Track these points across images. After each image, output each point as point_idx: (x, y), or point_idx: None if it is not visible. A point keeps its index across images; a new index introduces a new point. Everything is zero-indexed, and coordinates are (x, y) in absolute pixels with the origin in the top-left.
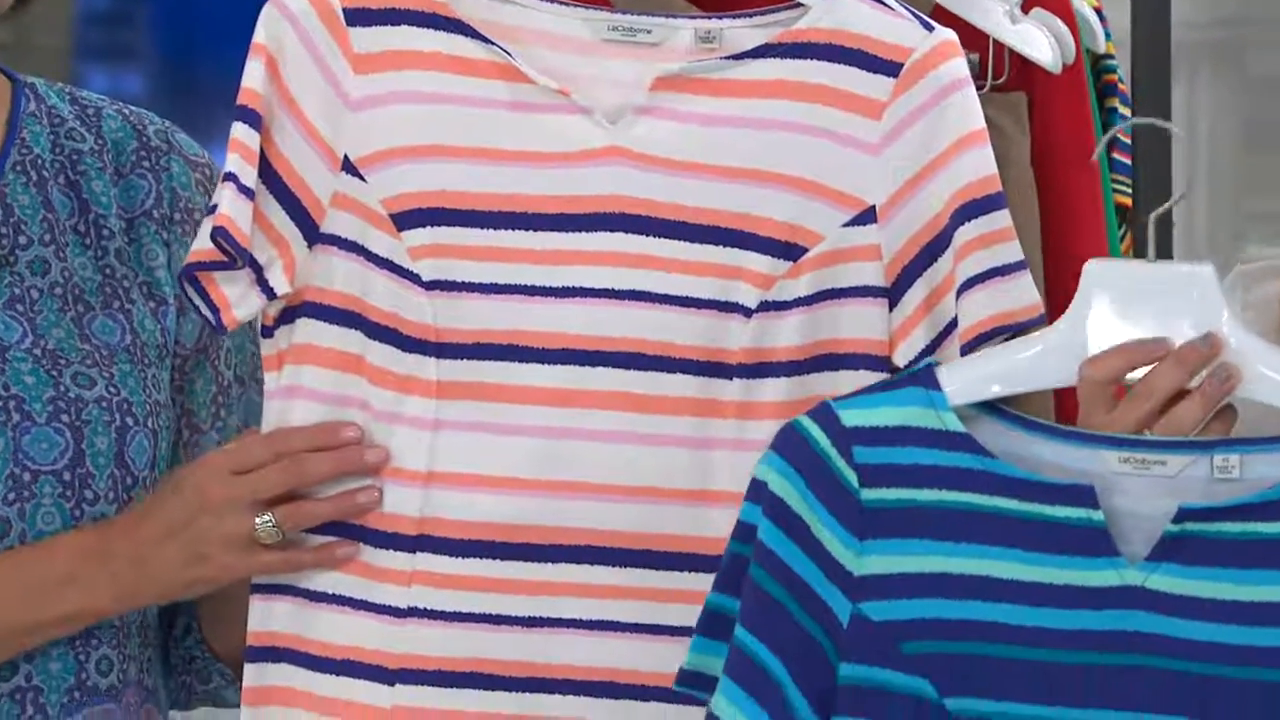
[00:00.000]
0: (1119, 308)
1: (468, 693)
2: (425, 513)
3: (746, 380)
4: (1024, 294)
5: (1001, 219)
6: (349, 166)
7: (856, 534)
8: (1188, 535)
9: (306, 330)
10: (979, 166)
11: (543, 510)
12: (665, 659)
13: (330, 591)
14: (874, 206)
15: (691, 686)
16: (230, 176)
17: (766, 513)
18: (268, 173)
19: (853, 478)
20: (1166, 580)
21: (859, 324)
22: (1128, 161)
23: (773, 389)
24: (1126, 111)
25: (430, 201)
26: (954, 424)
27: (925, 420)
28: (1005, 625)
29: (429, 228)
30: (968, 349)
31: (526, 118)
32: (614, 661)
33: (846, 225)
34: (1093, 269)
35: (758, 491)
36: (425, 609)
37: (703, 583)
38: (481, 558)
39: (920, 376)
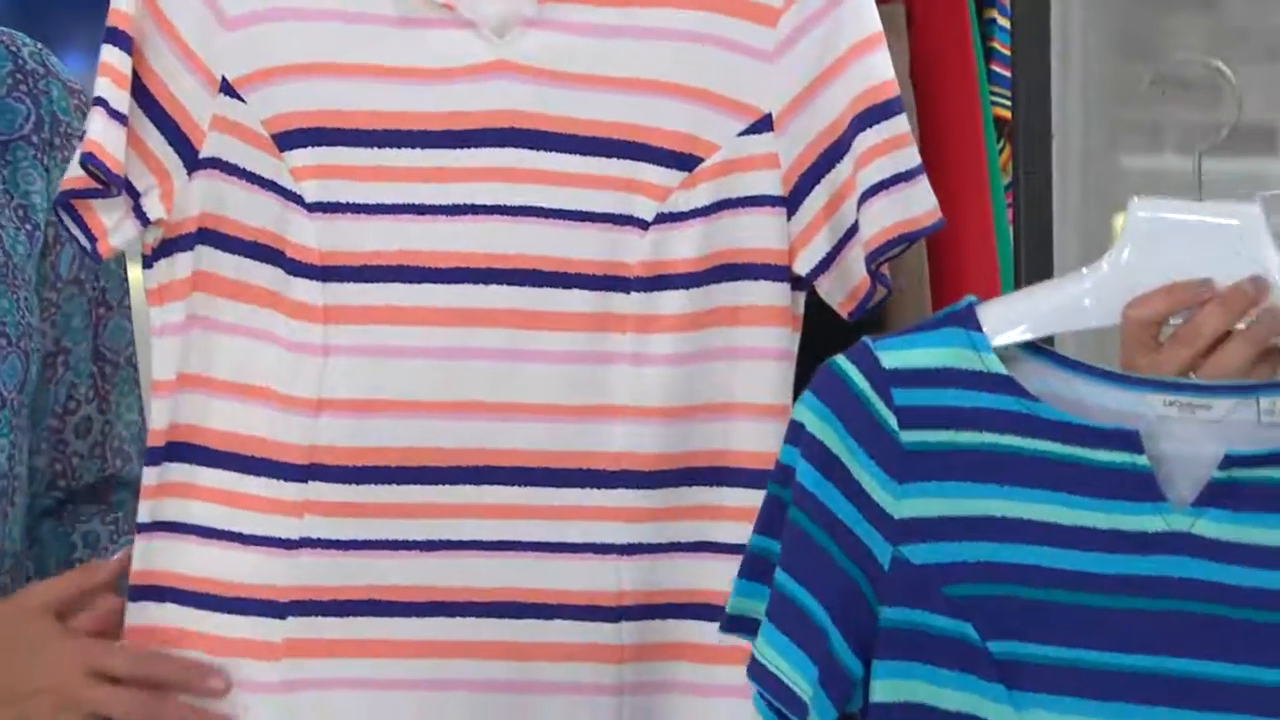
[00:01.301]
0: (1164, 249)
1: (364, 621)
2: (316, 441)
3: (645, 294)
4: (925, 200)
5: (901, 124)
6: (227, 88)
7: (896, 477)
8: (1234, 482)
9: (192, 259)
10: (877, 71)
11: (438, 432)
12: (568, 577)
13: (216, 527)
14: (770, 114)
15: (736, 630)
16: (100, 101)
17: (805, 455)
18: (143, 97)
19: (892, 420)
20: (1213, 526)
21: (758, 233)
22: (1006, 74)
23: (672, 301)
24: (1005, 22)
25: (312, 121)
26: (995, 365)
27: (966, 361)
28: (1048, 569)
29: (311, 148)
30: (872, 257)
31: (411, 33)
32: (516, 582)
33: (742, 134)
34: (1137, 207)
35: (795, 433)
36: (318, 539)
37: (603, 498)
38: (376, 484)
39: (960, 316)
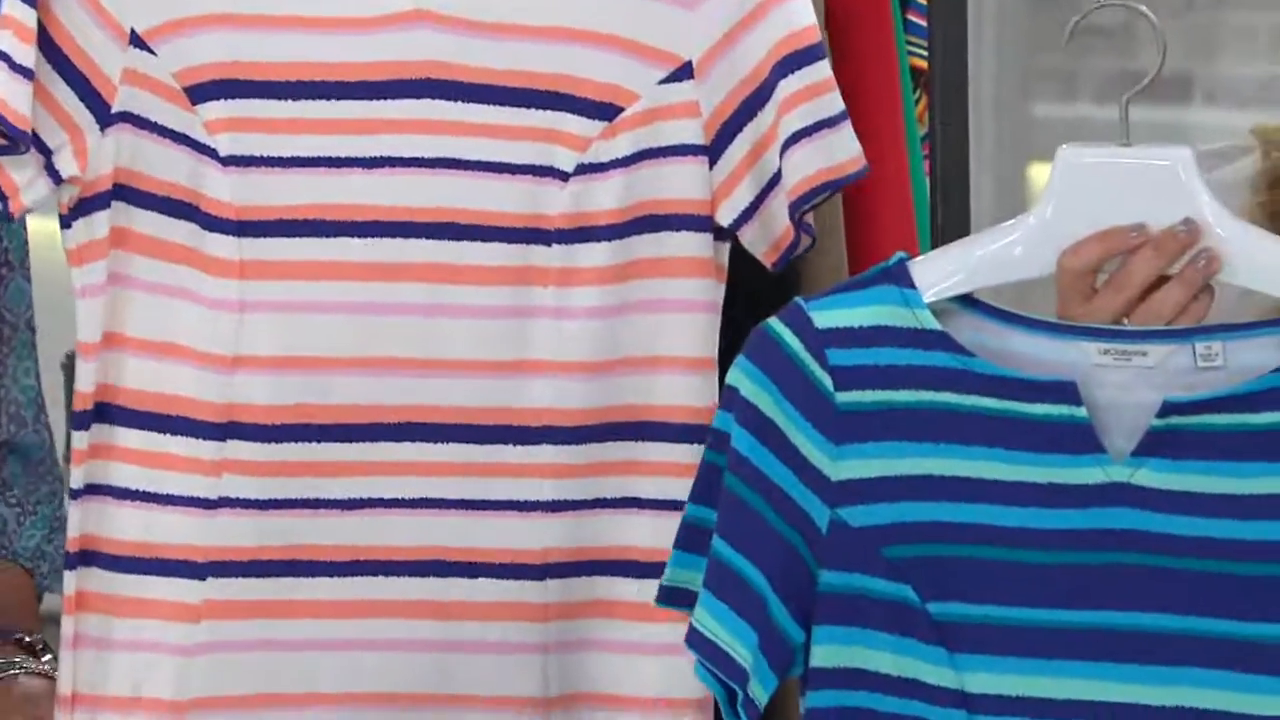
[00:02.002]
0: (1095, 195)
1: (285, 581)
2: (233, 399)
3: (566, 246)
4: (849, 146)
5: (823, 69)
6: (137, 40)
7: (833, 438)
8: (1173, 429)
9: (109, 217)
10: (797, 17)
11: (358, 389)
12: (492, 535)
13: (134, 488)
14: (690, 62)
15: (672, 602)
16: (2, 56)
17: (739, 420)
18: (51, 52)
19: (827, 381)
20: (1153, 476)
21: (680, 183)
22: (922, 24)
23: (594, 254)
24: None
25: (224, 73)
26: (929, 322)
27: (900, 319)
28: (988, 527)
29: (224, 100)
30: (796, 206)
31: None
32: (439, 540)
33: (663, 82)
34: (1066, 155)
35: (730, 398)
36: (237, 499)
37: (526, 455)
38: (295, 442)
39: (892, 272)
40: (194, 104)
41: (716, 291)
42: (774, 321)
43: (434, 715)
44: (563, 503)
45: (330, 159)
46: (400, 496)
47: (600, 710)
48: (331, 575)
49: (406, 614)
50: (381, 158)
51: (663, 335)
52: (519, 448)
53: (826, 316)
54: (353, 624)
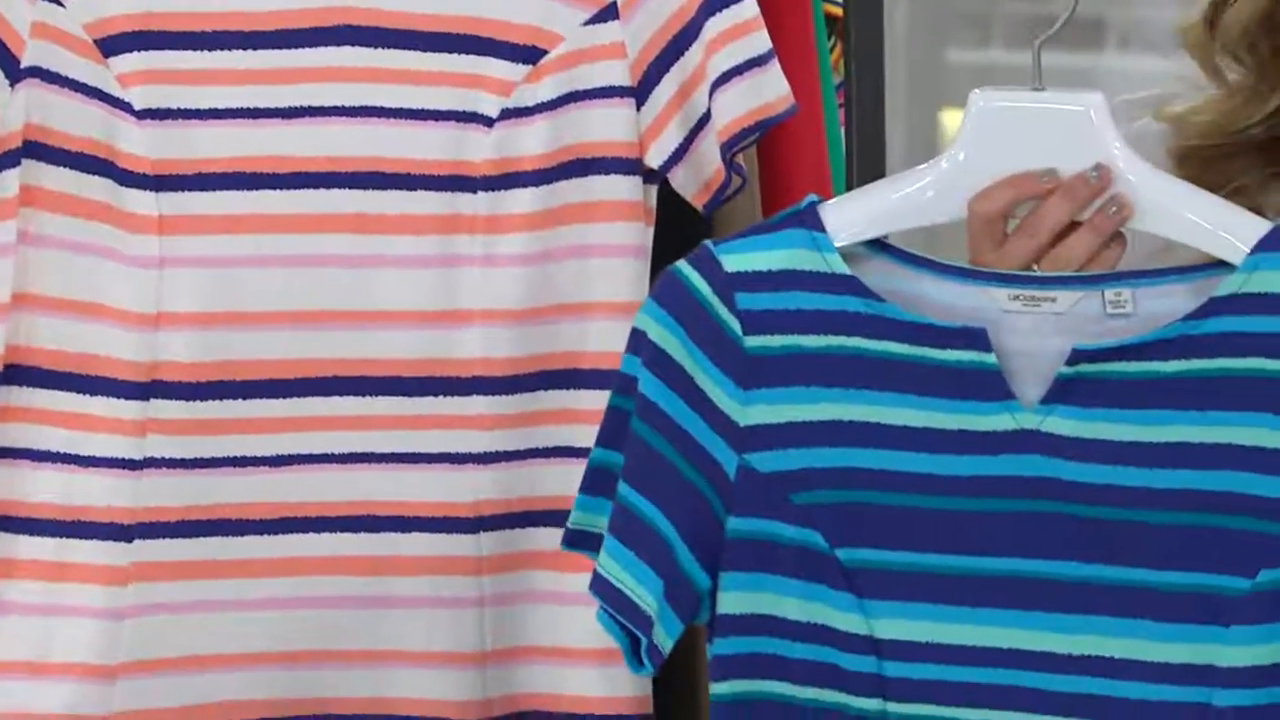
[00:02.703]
0: (1006, 140)
1: (214, 541)
2: (156, 357)
3: (492, 193)
4: (778, 85)
5: (750, 8)
6: None
7: (741, 383)
8: (1082, 376)
9: (19, 175)
10: None
11: (283, 344)
12: (424, 488)
13: (53, 450)
14: (614, 3)
15: (577, 545)
16: None
17: (647, 364)
18: None
19: (736, 325)
20: (1062, 423)
21: (607, 126)
22: None
23: (521, 200)
24: None
25: (136, 24)
26: (839, 266)
27: (809, 263)
28: (897, 473)
29: (138, 52)
30: (728, 146)
31: None
32: (370, 495)
33: (587, 23)
34: (978, 100)
35: (637, 342)
36: (163, 458)
37: (457, 406)
38: (220, 399)
39: (802, 216)
40: (106, 57)
41: (645, 235)
42: (682, 265)
43: (368, 672)
44: (495, 454)
45: (248, 110)
46: (329, 452)
47: (538, 663)
48: (261, 533)
49: (338, 570)
50: (301, 107)
51: (592, 280)
52: (449, 399)
53: (735, 260)
54: (284, 582)
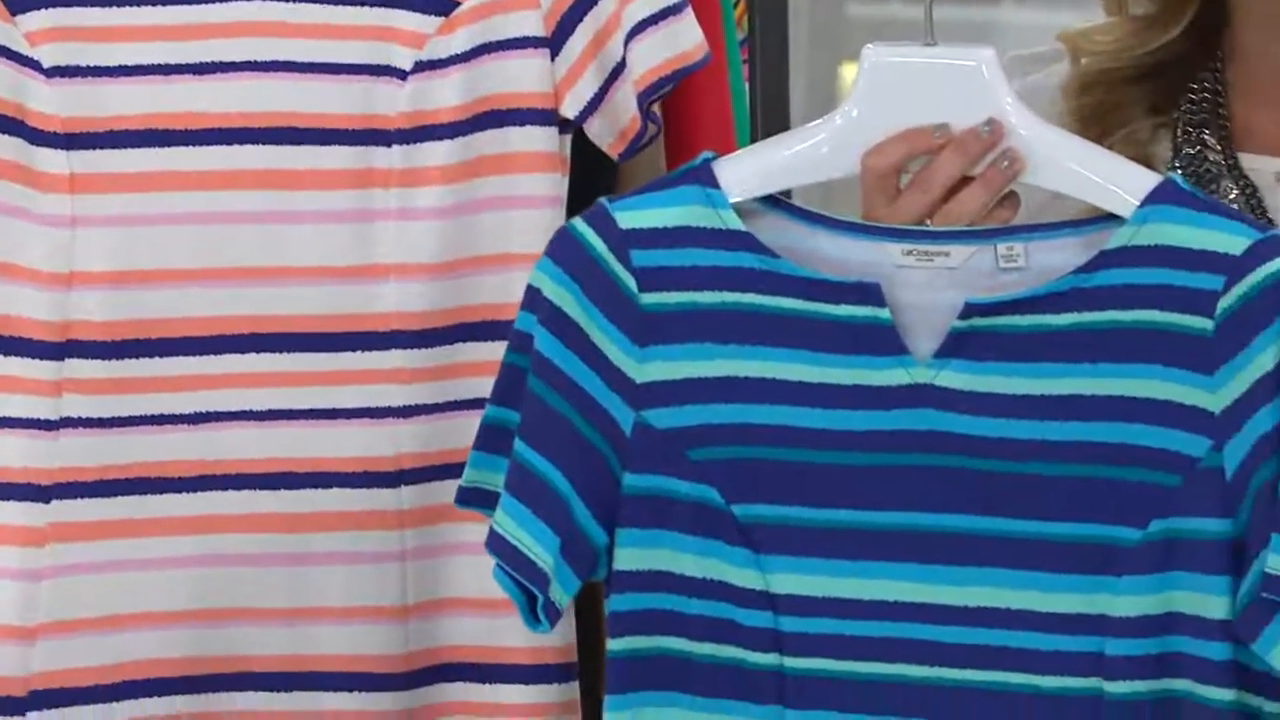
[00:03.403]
0: (899, 95)
1: (132, 500)
2: (69, 316)
3: (407, 146)
4: (693, 33)
5: None
6: None
7: (637, 340)
8: (975, 330)
9: None
10: None
11: (199, 301)
12: (344, 443)
13: None
14: None
15: (472, 503)
16: None
17: (542, 321)
18: None
19: (631, 282)
20: (955, 377)
21: (521, 77)
22: None
23: (436, 153)
24: None
25: None
26: (734, 222)
27: (704, 219)
28: (792, 428)
29: (45, 10)
30: (644, 96)
31: None
32: (289, 451)
33: None
34: (871, 55)
35: (532, 299)
36: (79, 418)
37: (375, 360)
38: (136, 357)
39: (697, 172)
40: (13, 14)
41: (561, 185)
42: (578, 222)
43: (288, 629)
44: (414, 407)
45: (159, 66)
46: (247, 409)
47: (461, 615)
48: (180, 491)
49: (258, 528)
50: (212, 63)
51: (509, 232)
52: (367, 354)
53: (631, 217)
54: (203, 540)
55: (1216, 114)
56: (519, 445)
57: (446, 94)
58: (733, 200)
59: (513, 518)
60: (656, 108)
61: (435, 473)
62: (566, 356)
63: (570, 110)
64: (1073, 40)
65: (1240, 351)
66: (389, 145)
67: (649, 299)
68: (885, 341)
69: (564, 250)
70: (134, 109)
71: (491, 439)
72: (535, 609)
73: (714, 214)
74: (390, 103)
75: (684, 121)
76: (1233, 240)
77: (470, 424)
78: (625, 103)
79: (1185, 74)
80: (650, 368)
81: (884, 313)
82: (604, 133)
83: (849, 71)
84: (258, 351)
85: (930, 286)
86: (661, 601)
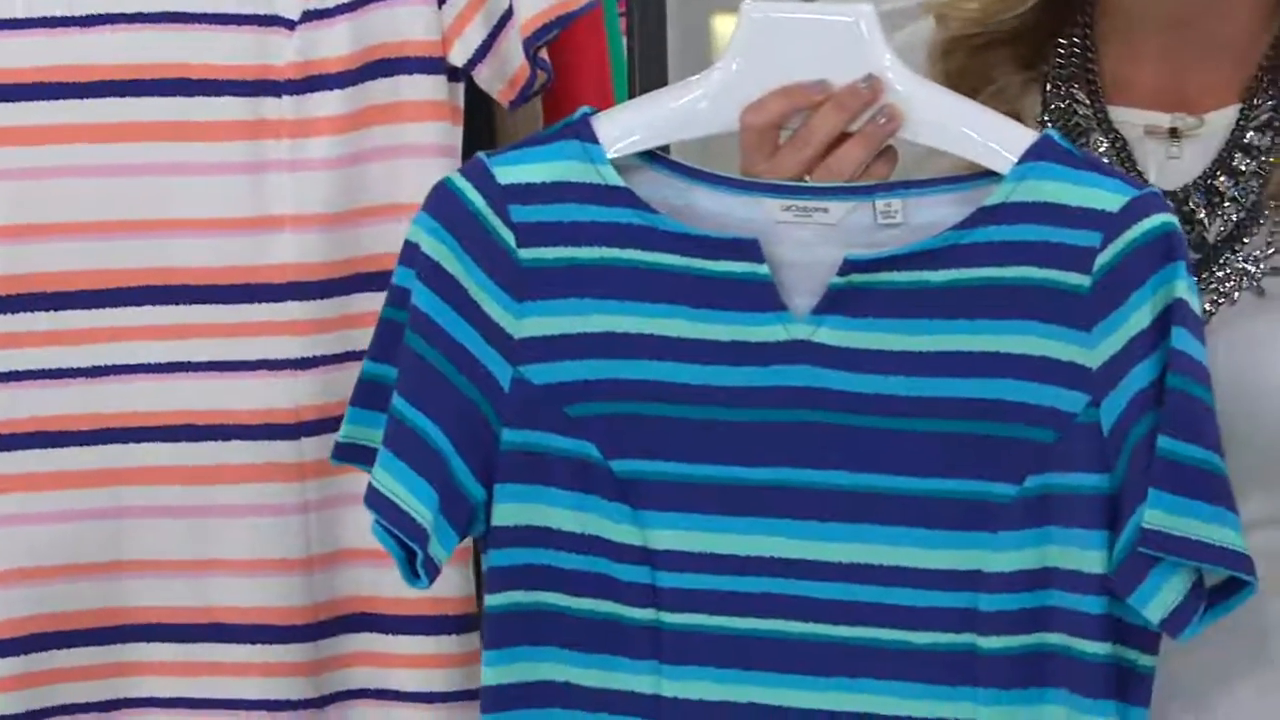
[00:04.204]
0: (778, 51)
1: (32, 454)
2: None
3: (297, 96)
4: None
5: None
6: None
7: (515, 295)
8: (854, 287)
9: None
10: None
11: (95, 254)
12: (243, 396)
13: None
14: None
15: (349, 459)
16: None
17: (420, 276)
18: None
19: (509, 237)
20: (833, 333)
21: (409, 25)
22: None
23: (326, 103)
24: None
25: None
26: (612, 178)
27: (583, 174)
28: (671, 384)
29: None
30: (531, 42)
31: None
32: (189, 404)
33: None
34: (750, 10)
35: (410, 254)
36: None
37: (272, 312)
38: (33, 311)
39: (575, 127)
40: None
41: (453, 134)
42: (456, 177)
43: (191, 581)
44: (313, 359)
45: (46, 19)
46: (147, 362)
47: (364, 566)
48: (80, 445)
49: (159, 480)
50: (100, 15)
51: (402, 181)
52: (265, 305)
53: (509, 172)
54: (104, 492)
55: (1085, 68)
56: (397, 401)
57: (335, 43)
58: (611, 155)
59: (391, 474)
60: (544, 54)
61: (335, 424)
62: (444, 312)
63: (459, 58)
64: (939, 8)
65: (1117, 308)
66: (279, 96)
67: (527, 254)
68: (763, 297)
69: (442, 205)
70: (24, 62)
71: (369, 395)
72: (414, 565)
73: (593, 169)
74: (280, 53)
75: (562, 76)
76: (1110, 197)
77: None
78: (513, 49)
79: (1053, 31)
80: (528, 323)
81: (762, 268)
82: (494, 80)
83: (720, 24)
84: (154, 304)
85: (809, 243)
86: (539, 557)
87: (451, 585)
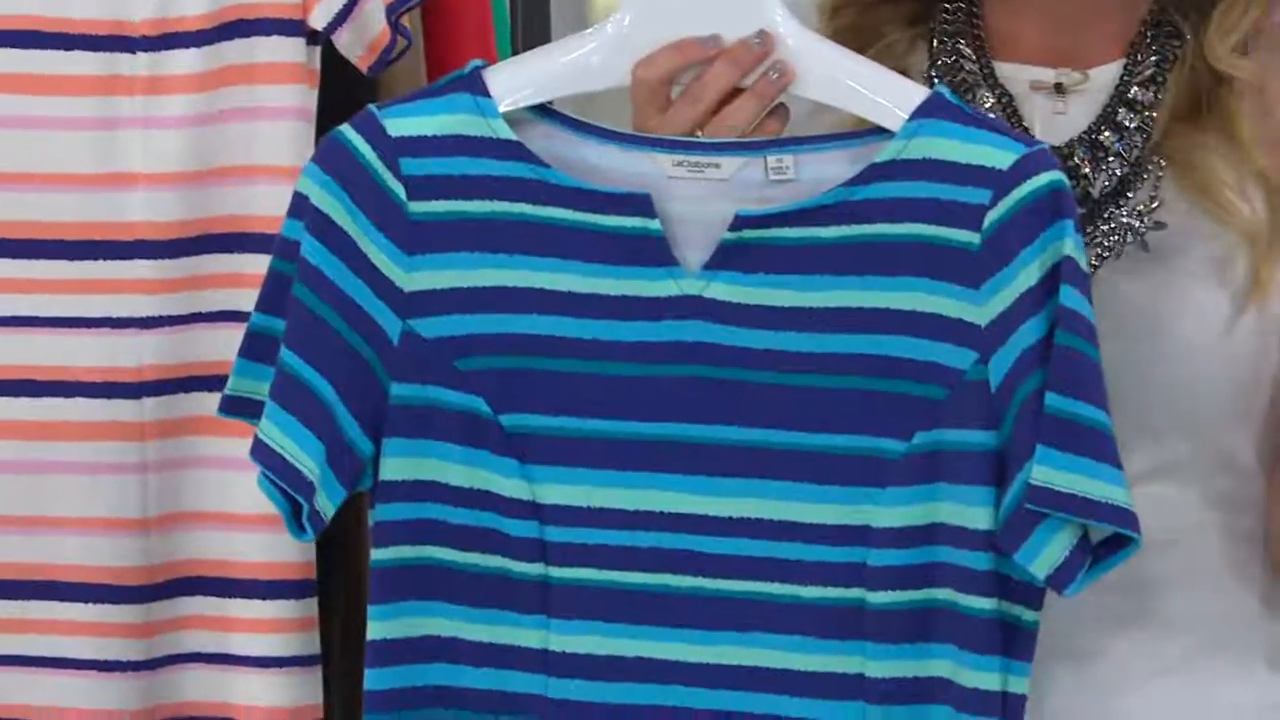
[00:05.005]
0: (671, 6)
1: None
2: None
3: (152, 54)
4: None
5: None
6: None
7: (405, 249)
8: (745, 243)
9: None
10: None
11: None
12: (86, 353)
13: None
14: None
15: (236, 412)
16: None
17: (309, 229)
18: None
19: (400, 190)
20: (725, 289)
21: None
22: None
23: (183, 61)
24: None
25: None
26: (504, 131)
27: (473, 128)
28: (561, 339)
29: None
30: (394, 8)
31: None
32: (31, 359)
33: None
34: None
35: (299, 206)
36: None
37: (120, 270)
38: None
39: (467, 80)
40: None
41: (310, 97)
42: (346, 129)
43: (26, 537)
44: (159, 318)
45: None
46: (3, 315)
47: (203, 528)
48: None
49: None
50: None
51: (256, 143)
52: (112, 263)
53: (400, 124)
54: None
55: (971, 24)
56: (285, 353)
57: (192, 2)
58: (503, 109)
59: (278, 426)
60: (406, 20)
61: (179, 385)
62: (333, 264)
63: (319, 21)
64: None
65: (1006, 265)
66: (134, 52)
67: (418, 207)
68: (655, 253)
69: (332, 157)
70: None
71: (257, 347)
72: (300, 518)
73: (484, 123)
74: (136, 9)
75: (444, 30)
76: (1000, 154)
77: (215, 336)
78: (375, 15)
79: None
80: (418, 276)
81: (654, 223)
82: (353, 45)
83: None
84: (1, 257)
85: (701, 198)
86: (428, 511)
87: (290, 549)
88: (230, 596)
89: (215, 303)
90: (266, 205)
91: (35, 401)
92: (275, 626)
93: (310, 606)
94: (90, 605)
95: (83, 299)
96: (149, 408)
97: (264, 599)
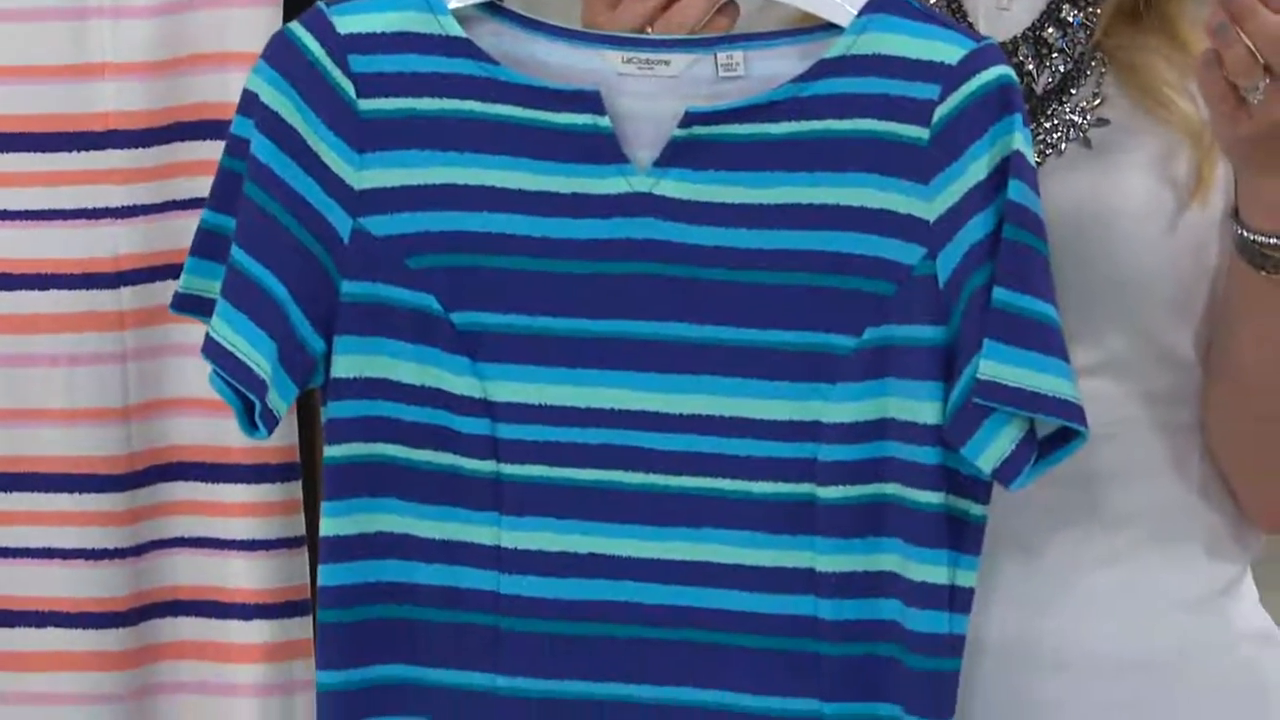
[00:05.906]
0: None
1: None
2: None
3: None
4: None
5: None
6: None
7: (355, 146)
8: (695, 139)
9: None
10: None
11: None
12: (62, 244)
13: None
14: None
15: (188, 309)
16: None
17: (259, 126)
18: None
19: (349, 88)
20: (675, 186)
21: None
22: None
23: None
24: None
25: None
26: (453, 28)
27: (423, 25)
28: (512, 236)
29: None
30: None
31: None
32: (6, 252)
33: None
34: None
35: (248, 103)
36: None
37: (92, 160)
38: None
39: None
40: None
41: None
42: (295, 26)
43: (10, 430)
44: (133, 208)
45: None
46: None
47: (183, 415)
48: None
49: None
50: None
51: (227, 31)
52: (84, 154)
53: (350, 22)
54: None
55: None
56: (235, 252)
57: None
58: (452, 6)
59: (229, 324)
60: None
61: (155, 273)
62: (284, 162)
63: None
64: None
65: (954, 161)
66: None
67: (367, 105)
68: (605, 150)
69: (281, 55)
70: None
71: (208, 245)
72: (253, 416)
73: (433, 20)
74: None
75: None
76: (949, 50)
77: (190, 224)
78: None
79: None
80: (369, 174)
81: (604, 120)
82: None
83: None
84: None
85: (651, 96)
86: (379, 409)
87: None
88: (214, 481)
89: (189, 191)
90: (237, 92)
91: (12, 295)
92: (260, 510)
93: (294, 490)
94: (75, 495)
95: (56, 191)
96: (126, 297)
97: (249, 483)
